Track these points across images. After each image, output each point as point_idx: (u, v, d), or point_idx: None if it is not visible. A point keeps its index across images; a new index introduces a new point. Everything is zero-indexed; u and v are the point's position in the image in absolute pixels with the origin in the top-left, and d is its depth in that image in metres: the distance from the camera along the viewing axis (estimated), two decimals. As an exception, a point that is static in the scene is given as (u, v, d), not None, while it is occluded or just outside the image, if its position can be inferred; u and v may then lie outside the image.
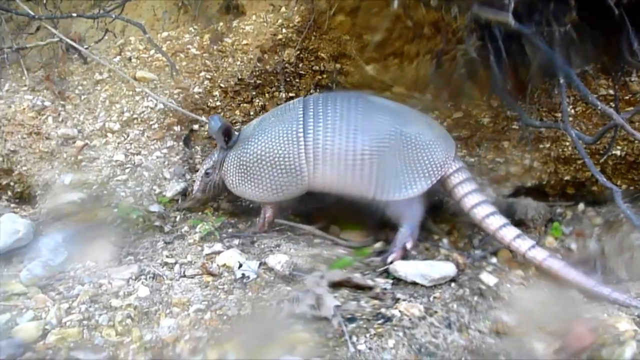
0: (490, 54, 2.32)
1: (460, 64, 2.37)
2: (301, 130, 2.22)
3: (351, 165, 2.20)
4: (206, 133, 2.76)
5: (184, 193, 2.62)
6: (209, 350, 1.57)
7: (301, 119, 2.24)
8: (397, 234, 2.27)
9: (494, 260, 2.31)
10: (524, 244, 2.14)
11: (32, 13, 2.72)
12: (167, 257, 2.16)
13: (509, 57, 2.34)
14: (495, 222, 2.19)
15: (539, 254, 2.11)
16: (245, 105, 2.84)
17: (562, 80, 2.17)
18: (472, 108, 2.62)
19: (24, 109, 2.71)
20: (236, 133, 2.41)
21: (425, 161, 2.20)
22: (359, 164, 2.19)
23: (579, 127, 2.51)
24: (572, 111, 2.51)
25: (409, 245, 2.25)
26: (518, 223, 2.44)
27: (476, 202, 2.22)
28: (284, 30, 2.73)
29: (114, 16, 2.60)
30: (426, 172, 2.21)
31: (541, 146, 2.61)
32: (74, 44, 2.72)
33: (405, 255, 2.23)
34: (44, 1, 2.93)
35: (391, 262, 2.15)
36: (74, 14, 2.66)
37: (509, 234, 2.16)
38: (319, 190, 2.29)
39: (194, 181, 2.56)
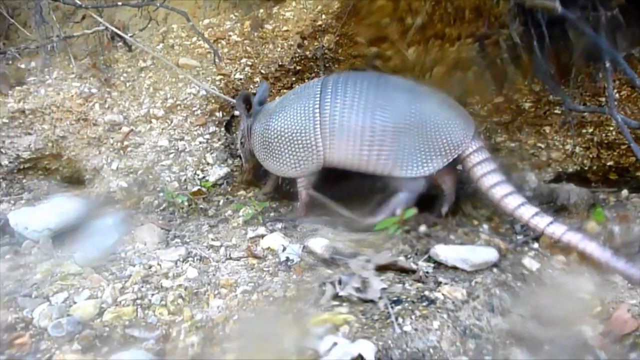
0: (533, 39, 2.30)
1: (504, 48, 2.36)
2: (317, 106, 2.26)
3: (368, 141, 2.22)
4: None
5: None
6: (258, 331, 1.61)
7: (318, 95, 2.28)
8: (392, 198, 2.31)
9: (535, 245, 2.29)
10: (542, 221, 2.13)
11: (79, 2, 2.80)
12: (212, 240, 2.22)
13: (552, 42, 2.32)
14: (513, 202, 2.19)
15: (557, 229, 2.11)
16: (285, 91, 2.87)
17: (608, 64, 2.14)
18: (514, 93, 2.61)
19: (72, 96, 2.79)
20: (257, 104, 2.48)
21: (442, 139, 2.22)
22: (377, 141, 2.22)
23: (624, 111, 2.48)
24: (617, 95, 2.48)
25: (398, 212, 2.27)
26: (560, 208, 2.42)
27: (495, 181, 2.23)
28: (323, 17, 2.75)
29: (158, 4, 2.66)
30: (442, 151, 2.23)
31: (584, 131, 2.59)
32: (119, 32, 2.79)
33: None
34: (90, -10, 3.01)
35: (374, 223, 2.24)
36: (119, 3, 2.73)
37: (527, 212, 2.16)
38: (335, 166, 2.32)
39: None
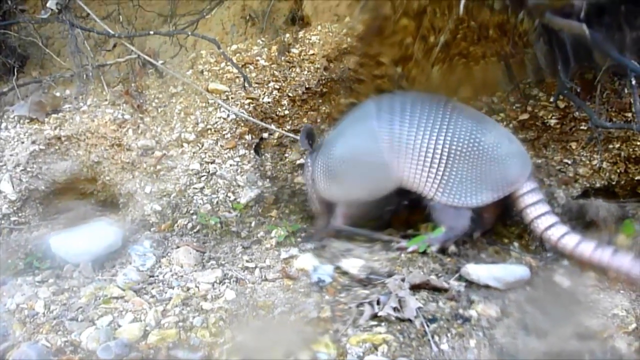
0: (558, 57, 2.33)
1: (529, 68, 2.39)
2: (379, 125, 2.23)
3: (423, 162, 2.20)
4: (275, 141, 2.87)
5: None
6: (299, 352, 1.65)
7: (376, 115, 2.25)
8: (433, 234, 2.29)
9: (565, 262, 2.31)
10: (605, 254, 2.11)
11: (111, 32, 2.90)
12: (247, 261, 2.27)
13: (576, 58, 2.34)
14: (571, 241, 2.16)
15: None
16: (312, 113, 2.93)
17: (634, 82, 2.16)
18: (539, 110, 2.64)
19: (106, 122, 2.88)
20: (319, 138, 2.46)
21: (497, 174, 2.19)
22: (435, 163, 2.19)
23: (651, 126, 2.49)
24: (644, 111, 2.48)
25: (434, 248, 2.27)
26: (589, 224, 2.44)
27: (549, 223, 2.20)
28: (348, 39, 2.80)
29: (189, 33, 2.74)
30: (495, 185, 2.20)
31: (610, 146, 2.60)
32: (150, 59, 2.87)
33: None
34: (120, 19, 3.12)
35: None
36: (151, 32, 2.82)
37: (587, 248, 2.13)
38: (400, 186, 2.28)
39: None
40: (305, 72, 2.89)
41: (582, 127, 2.60)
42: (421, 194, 2.27)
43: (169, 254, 2.32)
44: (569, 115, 2.60)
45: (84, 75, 2.93)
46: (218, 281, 2.12)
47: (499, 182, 2.20)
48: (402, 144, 2.21)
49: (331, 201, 2.43)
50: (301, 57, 2.90)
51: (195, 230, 2.55)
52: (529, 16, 2.25)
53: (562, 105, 2.59)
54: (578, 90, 2.44)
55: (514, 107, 2.67)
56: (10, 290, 2.10)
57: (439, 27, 2.60)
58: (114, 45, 3.16)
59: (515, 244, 2.39)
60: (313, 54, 2.87)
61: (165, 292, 2.03)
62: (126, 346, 1.67)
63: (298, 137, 2.59)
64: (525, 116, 2.65)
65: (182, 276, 2.17)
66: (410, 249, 2.25)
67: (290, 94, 2.91)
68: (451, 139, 2.18)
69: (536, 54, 2.39)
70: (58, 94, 3.02)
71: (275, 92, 2.92)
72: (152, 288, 2.06)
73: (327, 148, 2.35)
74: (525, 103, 2.64)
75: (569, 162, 2.65)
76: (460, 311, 1.87)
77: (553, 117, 2.62)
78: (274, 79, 2.93)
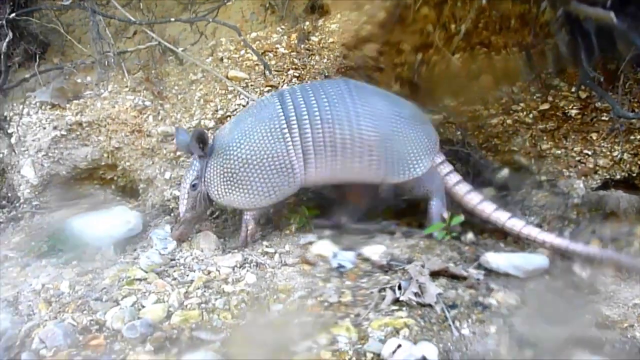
0: (581, 47, 2.32)
1: (550, 58, 2.38)
2: (285, 125, 2.17)
3: (358, 152, 2.20)
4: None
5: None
6: (317, 335, 1.66)
7: (282, 114, 2.19)
8: (430, 208, 2.36)
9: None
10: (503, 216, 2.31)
11: (133, 19, 2.92)
12: (266, 246, 2.29)
13: (600, 48, 2.33)
14: (488, 207, 2.33)
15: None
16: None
17: (658, 72, 2.15)
18: (560, 100, 2.63)
19: (127, 108, 2.90)
20: (211, 138, 2.30)
21: (426, 139, 2.31)
22: (367, 150, 2.21)
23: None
24: (667, 102, 2.48)
25: (445, 215, 2.31)
26: (609, 215, 2.43)
27: (467, 190, 2.38)
28: (368, 27, 2.80)
29: (210, 20, 2.75)
30: (428, 149, 2.32)
31: (632, 137, 2.58)
32: (171, 46, 2.89)
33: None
34: (140, 7, 3.13)
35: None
36: (172, 19, 2.83)
37: (503, 215, 2.31)
38: (314, 185, 2.32)
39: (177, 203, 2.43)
40: (325, 60, 2.89)
41: (603, 118, 2.59)
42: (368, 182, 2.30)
43: (189, 239, 2.34)
44: (590, 105, 2.59)
45: (105, 62, 2.95)
46: (238, 265, 2.14)
47: (431, 146, 2.34)
48: (319, 142, 2.18)
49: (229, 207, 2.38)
50: (320, 45, 2.90)
51: (214, 216, 2.58)
52: (551, 6, 2.24)
53: (583, 95, 2.58)
54: (600, 80, 2.43)
55: (535, 97, 2.66)
56: (34, 271, 2.14)
57: (460, 16, 2.60)
58: (134, 33, 3.17)
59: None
60: (332, 42, 2.87)
61: (187, 275, 2.05)
62: (150, 326, 1.70)
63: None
64: (545, 106, 2.64)
65: (202, 260, 2.20)
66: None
67: (309, 82, 2.91)
68: (380, 121, 2.22)
69: (557, 44, 2.38)
70: (79, 81, 3.04)
71: (294, 79, 2.92)
72: (174, 271, 2.09)
73: (226, 151, 2.21)
74: (546, 93, 2.63)
75: (589, 153, 2.64)
76: (480, 299, 1.88)
77: (574, 108, 2.60)
78: (294, 66, 2.93)
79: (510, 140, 2.74)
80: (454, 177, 2.40)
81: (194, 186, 2.26)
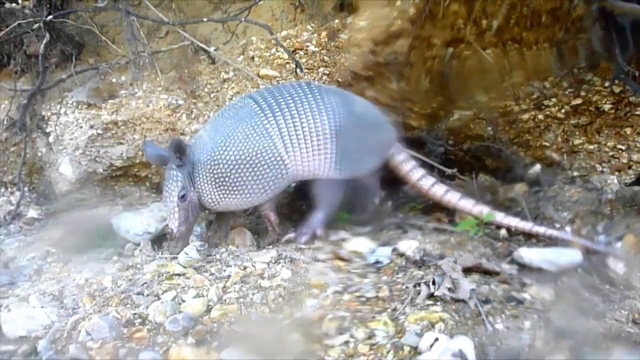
0: (615, 42, 2.30)
1: (582, 53, 2.37)
2: (266, 120, 2.21)
3: (316, 146, 2.25)
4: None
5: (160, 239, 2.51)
6: (354, 329, 1.69)
7: (260, 111, 2.22)
8: (312, 216, 2.36)
9: (619, 245, 2.30)
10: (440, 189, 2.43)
11: (165, 19, 2.98)
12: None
13: (635, 42, 2.31)
14: (440, 190, 2.43)
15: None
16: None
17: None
18: (592, 95, 2.61)
19: (160, 107, 2.97)
20: (188, 146, 2.25)
21: (378, 138, 2.38)
22: (326, 143, 2.26)
23: None
24: (702, 96, 2.45)
25: (319, 232, 2.33)
26: (643, 211, 2.42)
27: (432, 182, 2.46)
28: (398, 22, 2.80)
29: (242, 19, 2.79)
30: (380, 149, 2.38)
31: (667, 132, 2.56)
32: (203, 46, 2.94)
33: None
34: (172, 7, 3.19)
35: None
36: (204, 19, 2.88)
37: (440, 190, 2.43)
38: (302, 178, 2.32)
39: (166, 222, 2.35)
40: (354, 57, 2.91)
41: (637, 113, 2.57)
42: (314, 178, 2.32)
43: (224, 235, 2.40)
44: (624, 100, 2.57)
45: (139, 62, 3.02)
46: (273, 261, 2.18)
47: (383, 145, 2.40)
48: (293, 136, 2.23)
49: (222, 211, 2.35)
50: (349, 42, 2.92)
51: (248, 213, 2.62)
52: (585, 2, 2.22)
53: (617, 90, 2.56)
54: (635, 74, 2.41)
55: (567, 92, 2.65)
56: (77, 266, 2.21)
57: (491, 12, 2.59)
58: (166, 33, 3.23)
59: (567, 228, 2.39)
60: (361, 39, 2.88)
61: (224, 270, 2.10)
62: (192, 319, 1.75)
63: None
64: (578, 101, 2.63)
65: (238, 255, 2.24)
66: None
67: (339, 79, 2.93)
68: (333, 117, 2.26)
69: (591, 40, 2.36)
70: (114, 80, 3.12)
71: (324, 77, 2.95)
72: (211, 266, 2.14)
73: (213, 157, 2.19)
74: (579, 88, 2.62)
75: (623, 148, 2.62)
76: (514, 294, 1.88)
77: (607, 102, 2.59)
78: (324, 64, 2.96)
79: (542, 135, 2.74)
80: (418, 172, 2.46)
81: (182, 197, 2.20)
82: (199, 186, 2.20)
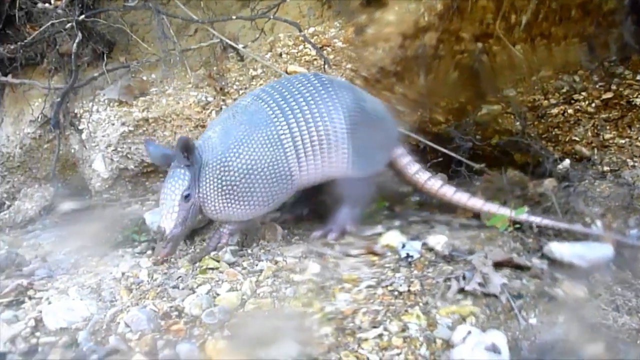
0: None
1: (613, 48, 2.35)
2: (281, 131, 2.13)
3: (334, 146, 2.19)
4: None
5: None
6: (388, 322, 1.71)
7: (275, 118, 2.13)
8: (344, 212, 2.34)
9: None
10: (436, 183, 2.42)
11: (195, 17, 3.02)
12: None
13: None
14: (436, 183, 2.42)
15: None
16: (385, 92, 2.96)
17: None
18: (624, 88, 2.59)
19: (190, 104, 3.01)
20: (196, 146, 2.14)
21: (387, 134, 2.37)
22: (340, 144, 2.21)
23: None
24: None
25: (349, 227, 2.32)
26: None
27: (427, 176, 2.45)
28: (425, 17, 2.81)
29: (271, 17, 2.82)
30: (389, 144, 2.38)
31: (700, 126, 2.53)
32: (232, 43, 2.98)
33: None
34: (201, 5, 3.23)
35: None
36: (233, 17, 2.92)
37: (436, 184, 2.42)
38: (300, 188, 2.25)
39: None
40: (380, 52, 2.92)
41: (670, 107, 2.54)
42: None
43: (255, 230, 2.43)
44: (656, 94, 2.55)
45: (169, 60, 3.07)
46: (303, 255, 2.20)
47: (392, 140, 2.41)
48: (307, 143, 2.16)
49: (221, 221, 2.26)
50: (376, 37, 2.93)
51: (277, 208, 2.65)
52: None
53: (649, 83, 2.54)
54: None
55: (597, 86, 2.62)
56: (113, 260, 2.27)
57: (520, 7, 2.58)
58: (195, 31, 3.28)
59: (598, 223, 2.37)
60: (389, 33, 2.89)
61: (256, 265, 2.13)
62: (227, 312, 1.79)
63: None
64: (609, 95, 2.61)
65: (269, 250, 2.27)
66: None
67: (364, 74, 2.95)
68: (348, 115, 2.21)
69: (622, 34, 2.34)
70: (145, 78, 3.17)
71: (350, 72, 2.97)
72: (243, 261, 2.17)
73: (224, 162, 2.09)
74: (609, 81, 2.60)
75: (655, 142, 2.60)
76: (546, 289, 1.88)
77: (639, 96, 2.56)
78: (349, 59, 2.98)
79: (571, 130, 2.72)
80: (413, 167, 2.44)
81: (186, 197, 2.07)
82: (204, 190, 2.09)
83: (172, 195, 2.07)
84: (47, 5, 3.14)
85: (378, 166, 2.37)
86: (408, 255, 2.06)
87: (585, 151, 2.69)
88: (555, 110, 2.73)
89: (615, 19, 2.35)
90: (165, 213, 2.08)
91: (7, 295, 2.05)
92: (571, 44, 2.53)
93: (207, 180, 2.09)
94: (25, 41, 3.24)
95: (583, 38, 2.51)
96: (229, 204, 2.10)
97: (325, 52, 2.97)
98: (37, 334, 1.84)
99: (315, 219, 2.53)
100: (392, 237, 2.20)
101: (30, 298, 2.06)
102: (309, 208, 2.56)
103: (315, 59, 2.95)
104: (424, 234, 2.24)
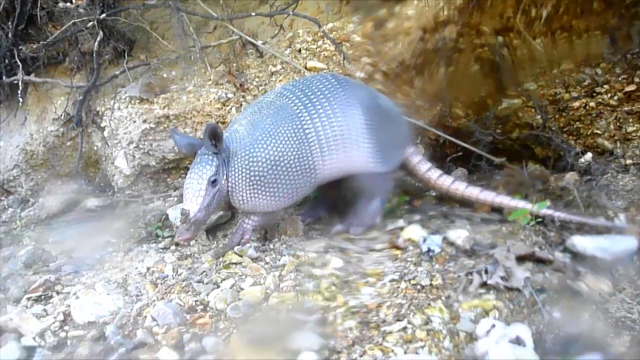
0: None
1: (636, 40, 2.33)
2: (305, 125, 2.17)
3: (355, 142, 2.24)
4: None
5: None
6: (411, 316, 1.72)
7: (299, 113, 2.18)
8: (368, 206, 2.37)
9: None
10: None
11: (214, 14, 3.04)
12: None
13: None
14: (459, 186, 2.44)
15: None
16: (405, 87, 2.96)
17: None
18: (648, 80, 2.56)
19: (211, 101, 3.04)
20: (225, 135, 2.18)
21: (401, 131, 2.42)
22: (360, 139, 2.25)
23: None
24: None
25: (373, 221, 2.34)
26: None
27: (439, 174, 2.49)
28: (445, 12, 2.80)
29: (290, 13, 2.83)
30: (404, 140, 2.43)
31: None
32: (252, 40, 3.00)
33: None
34: (220, 2, 3.25)
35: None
36: (253, 13, 2.93)
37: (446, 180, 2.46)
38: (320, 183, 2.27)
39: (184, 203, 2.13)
40: (399, 45, 2.92)
41: (697, 98, 2.51)
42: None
43: (275, 225, 2.45)
44: (681, 85, 2.52)
45: (189, 57, 3.09)
46: (323, 250, 2.22)
47: (406, 137, 2.46)
48: (330, 139, 2.20)
49: (249, 212, 2.26)
50: (396, 31, 2.92)
51: (298, 203, 2.67)
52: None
53: (673, 75, 2.51)
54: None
55: (620, 79, 2.60)
56: (138, 256, 2.31)
57: (541, 1, 2.56)
58: (214, 28, 3.30)
59: (621, 216, 2.35)
60: (409, 27, 2.88)
61: (278, 259, 2.15)
62: (252, 306, 1.81)
63: None
64: (631, 87, 2.58)
65: (290, 245, 2.29)
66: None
67: (383, 69, 2.95)
68: (367, 112, 2.25)
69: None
70: (165, 75, 3.20)
71: (368, 67, 2.97)
72: (266, 255, 2.19)
73: (251, 152, 2.13)
74: (632, 74, 2.57)
75: (682, 134, 2.57)
76: (569, 283, 1.88)
77: (663, 88, 2.53)
78: (368, 54, 2.98)
79: (593, 123, 2.70)
80: (425, 165, 2.48)
81: (214, 182, 2.10)
82: (232, 180, 2.13)
83: (198, 180, 2.10)
84: (68, 4, 3.18)
85: (395, 162, 2.40)
86: (429, 250, 2.07)
87: (608, 144, 2.67)
88: (576, 104, 2.71)
89: (638, 10, 2.33)
90: (190, 196, 2.09)
91: (35, 290, 2.10)
92: (593, 37, 2.50)
93: (236, 171, 2.13)
94: (48, 40, 3.29)
95: (605, 30, 2.48)
96: (256, 194, 2.14)
97: (343, 47, 2.97)
98: (66, 327, 1.88)
99: (334, 216, 2.53)
100: (413, 232, 2.21)
101: (57, 293, 2.10)
102: (327, 208, 2.57)
103: (334, 55, 2.96)
104: (444, 228, 2.24)
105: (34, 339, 1.84)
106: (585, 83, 2.66)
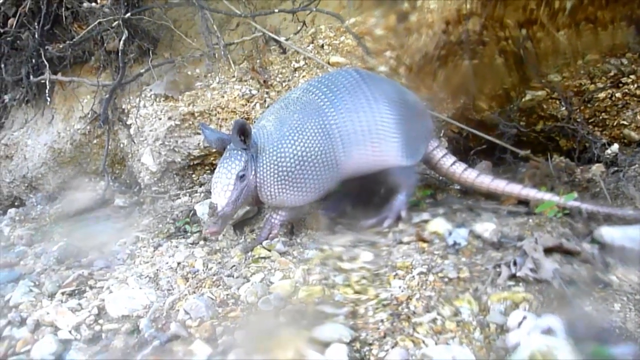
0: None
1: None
2: (331, 121, 2.20)
3: (383, 136, 2.26)
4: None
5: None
6: (440, 307, 1.74)
7: (326, 109, 2.21)
8: (395, 200, 2.38)
9: None
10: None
11: (237, 12, 3.07)
12: (377, 225, 2.38)
13: None
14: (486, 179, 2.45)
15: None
16: (428, 79, 2.96)
17: None
18: (677, 71, 2.53)
19: (235, 97, 3.07)
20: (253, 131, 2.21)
21: (426, 125, 2.45)
22: (389, 133, 2.28)
23: None
24: None
25: (404, 214, 2.35)
26: None
27: (464, 167, 2.50)
28: (468, 5, 2.79)
29: (313, 9, 2.85)
30: (428, 134, 2.45)
31: None
32: (275, 36, 3.02)
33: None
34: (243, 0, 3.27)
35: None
36: (276, 10, 2.95)
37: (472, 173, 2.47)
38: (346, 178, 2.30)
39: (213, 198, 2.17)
40: (423, 38, 2.92)
41: None
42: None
43: (302, 220, 2.48)
44: None
45: (213, 54, 3.13)
46: (351, 244, 2.24)
47: (430, 130, 2.50)
48: (359, 133, 2.23)
49: (276, 207, 2.30)
50: (419, 24, 2.92)
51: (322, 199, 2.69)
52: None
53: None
54: None
55: (646, 69, 2.57)
56: (168, 251, 2.35)
57: (565, -7, 2.55)
58: (237, 25, 3.32)
59: (649, 208, 2.34)
60: (432, 20, 2.88)
61: (304, 254, 2.18)
62: (282, 299, 1.84)
63: None
64: (659, 77, 2.56)
65: (315, 239, 2.31)
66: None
67: (406, 62, 2.95)
68: (394, 106, 2.28)
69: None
70: (189, 73, 3.24)
71: (391, 60, 2.97)
72: (292, 250, 2.22)
73: (279, 148, 2.16)
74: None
75: None
76: (599, 274, 1.87)
77: (689, 78, 2.51)
78: (390, 47, 2.98)
79: (619, 114, 2.69)
80: (449, 159, 2.50)
81: (242, 177, 2.14)
82: (261, 175, 2.16)
83: (227, 174, 2.13)
84: (93, 4, 3.23)
85: (420, 155, 2.42)
86: (455, 243, 2.08)
87: (635, 135, 2.65)
88: (602, 95, 2.69)
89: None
90: (219, 190, 2.13)
91: (69, 285, 2.15)
92: (618, 27, 2.48)
93: (264, 166, 2.16)
94: (74, 40, 3.35)
95: (631, 21, 2.46)
96: (284, 190, 2.17)
97: (366, 41, 2.97)
98: (100, 321, 1.93)
99: (358, 210, 2.55)
100: (438, 225, 2.22)
101: (91, 287, 2.15)
102: (351, 202, 2.58)
103: (357, 49, 2.96)
104: (470, 221, 2.25)
105: (69, 332, 1.89)
106: (611, 74, 2.64)
